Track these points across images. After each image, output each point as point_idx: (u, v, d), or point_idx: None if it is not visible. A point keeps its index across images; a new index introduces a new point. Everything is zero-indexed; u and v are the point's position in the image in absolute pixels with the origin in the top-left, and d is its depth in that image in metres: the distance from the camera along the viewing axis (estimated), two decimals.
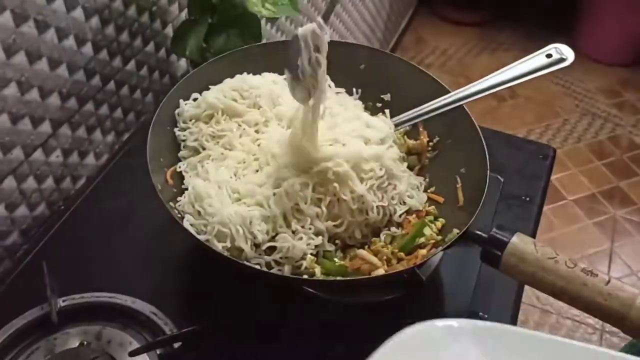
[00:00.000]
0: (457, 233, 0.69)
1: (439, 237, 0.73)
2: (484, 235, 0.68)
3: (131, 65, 1.03)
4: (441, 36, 2.87)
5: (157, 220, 0.87)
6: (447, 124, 0.83)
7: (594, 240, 2.11)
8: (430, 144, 0.84)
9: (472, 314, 0.78)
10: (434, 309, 0.80)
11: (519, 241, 0.66)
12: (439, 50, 2.80)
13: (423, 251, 0.70)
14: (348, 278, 0.69)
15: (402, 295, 0.77)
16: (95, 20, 0.91)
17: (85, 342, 0.70)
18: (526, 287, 0.81)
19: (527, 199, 0.97)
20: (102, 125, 1.00)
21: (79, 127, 0.95)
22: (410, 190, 0.79)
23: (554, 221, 2.14)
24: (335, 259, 0.72)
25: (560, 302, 0.65)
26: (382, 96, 0.89)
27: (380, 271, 0.69)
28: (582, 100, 2.60)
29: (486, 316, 0.78)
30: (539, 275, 0.64)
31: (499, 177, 0.94)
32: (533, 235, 0.93)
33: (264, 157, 0.77)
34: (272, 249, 0.72)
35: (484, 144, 0.76)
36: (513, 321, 0.82)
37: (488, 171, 0.73)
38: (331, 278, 0.69)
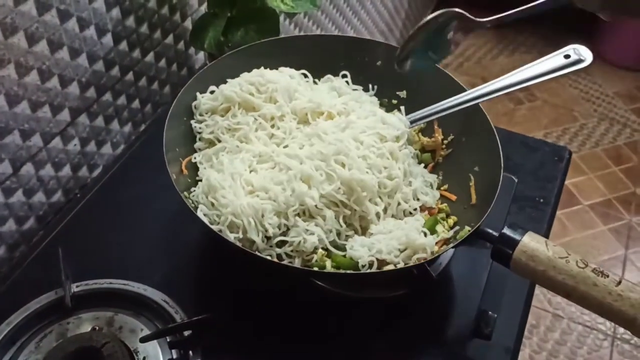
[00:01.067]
0: (469, 230, 0.69)
1: (450, 234, 0.74)
2: (495, 233, 0.68)
3: (150, 57, 1.04)
4: (459, 37, 2.86)
5: (170, 210, 0.88)
6: (462, 122, 0.83)
7: (608, 246, 2.09)
8: (445, 141, 0.84)
9: (482, 313, 0.78)
10: (444, 307, 0.80)
11: (530, 240, 0.66)
12: (458, 50, 2.79)
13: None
14: (358, 272, 0.69)
15: (412, 292, 0.77)
16: (115, 11, 0.92)
17: (97, 328, 0.72)
18: (538, 291, 0.81)
19: (541, 200, 0.96)
20: (119, 116, 1.02)
21: (97, 116, 0.97)
22: (424, 188, 0.79)
23: (568, 226, 2.13)
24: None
25: (572, 307, 0.65)
26: (397, 93, 0.90)
27: (390, 266, 0.69)
28: (600, 104, 2.58)
29: (496, 315, 0.78)
30: (549, 274, 0.64)
31: (513, 177, 0.93)
32: (546, 237, 0.92)
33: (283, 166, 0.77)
34: (283, 242, 0.73)
35: (499, 142, 0.75)
36: (523, 321, 0.82)
37: (502, 170, 0.73)
38: (341, 271, 0.69)
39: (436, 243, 0.72)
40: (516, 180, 0.94)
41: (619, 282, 0.62)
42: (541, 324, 1.86)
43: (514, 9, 0.74)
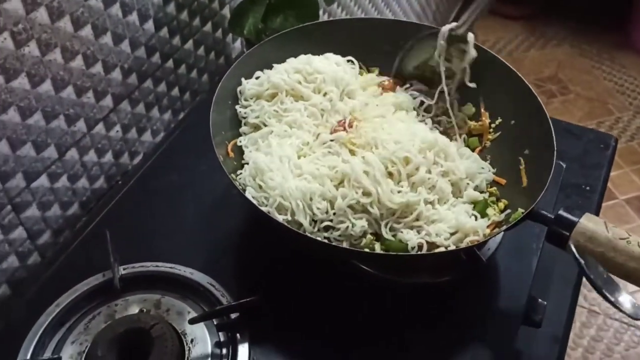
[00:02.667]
0: (522, 213, 0.68)
1: (502, 218, 0.72)
2: (550, 215, 0.66)
3: (189, 44, 1.04)
4: (490, 29, 2.82)
5: (212, 196, 0.88)
6: (510, 106, 0.81)
7: None
8: (493, 125, 0.83)
9: (531, 300, 0.76)
10: (492, 293, 0.78)
11: (588, 221, 0.64)
12: (488, 43, 2.75)
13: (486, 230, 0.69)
14: (406, 254, 0.68)
15: (461, 277, 0.76)
16: None
17: (144, 310, 0.71)
18: None
19: (587, 188, 0.94)
20: (159, 103, 1.02)
21: (138, 103, 0.97)
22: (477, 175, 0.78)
23: None
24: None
25: (607, 303, 0.63)
26: None
27: (441, 249, 0.68)
28: (636, 97, 2.52)
29: (545, 303, 0.76)
30: (609, 255, 0.62)
31: (562, 163, 0.91)
32: None
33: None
34: (330, 227, 0.71)
35: (551, 124, 0.74)
36: (571, 309, 0.80)
37: (555, 152, 0.71)
38: (391, 253, 0.68)
39: (487, 227, 0.71)
40: (564, 165, 0.91)
41: None
42: (577, 319, 1.82)
43: (541, 1, 0.72)
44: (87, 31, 0.81)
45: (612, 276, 0.63)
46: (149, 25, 0.93)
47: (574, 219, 0.65)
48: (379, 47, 0.90)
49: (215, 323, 0.71)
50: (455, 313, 0.77)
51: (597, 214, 0.93)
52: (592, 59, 2.65)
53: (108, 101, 0.90)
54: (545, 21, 2.84)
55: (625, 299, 0.60)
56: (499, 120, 0.83)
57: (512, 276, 0.79)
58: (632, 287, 0.67)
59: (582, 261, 0.62)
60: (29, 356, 0.67)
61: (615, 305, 0.60)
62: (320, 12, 1.46)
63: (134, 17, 0.89)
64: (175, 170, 0.94)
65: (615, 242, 0.62)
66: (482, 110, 0.84)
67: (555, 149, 0.72)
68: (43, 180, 0.82)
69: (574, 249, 0.63)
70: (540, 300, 0.76)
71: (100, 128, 0.90)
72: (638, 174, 2.24)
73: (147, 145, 1.02)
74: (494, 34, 2.80)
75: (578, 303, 1.87)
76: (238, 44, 1.19)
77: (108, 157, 0.94)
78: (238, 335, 0.69)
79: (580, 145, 1.01)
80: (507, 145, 0.80)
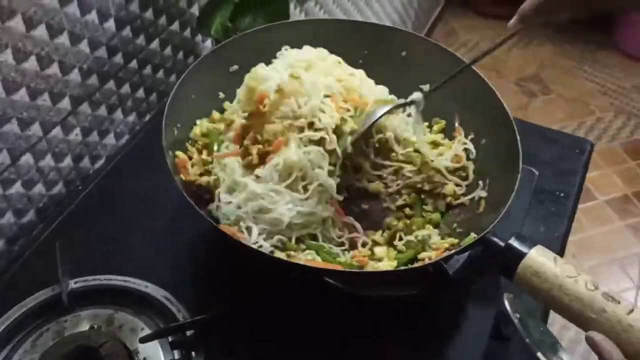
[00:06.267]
0: (474, 238, 0.65)
1: (456, 240, 0.70)
2: (501, 243, 0.63)
3: (155, 44, 1.00)
4: (473, 29, 2.80)
5: (175, 204, 0.84)
6: (483, 122, 0.79)
7: (625, 243, 2.03)
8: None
9: (501, 313, 0.74)
10: (460, 306, 0.76)
11: (538, 254, 0.60)
12: (471, 43, 2.73)
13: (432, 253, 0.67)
14: (365, 270, 0.65)
15: (428, 291, 0.73)
16: None
17: (95, 326, 0.68)
18: None
19: (562, 194, 0.92)
20: (123, 105, 0.98)
21: (100, 105, 0.93)
22: None
23: (583, 222, 2.07)
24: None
25: None
26: (421, 87, 0.84)
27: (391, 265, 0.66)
28: (617, 98, 2.52)
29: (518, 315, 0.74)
30: (554, 293, 0.58)
31: (534, 170, 0.89)
32: (566, 234, 0.88)
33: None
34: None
35: (520, 147, 0.71)
36: (543, 321, 0.77)
37: (519, 176, 0.68)
38: (354, 269, 0.66)
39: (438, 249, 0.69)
40: (537, 173, 0.89)
41: (631, 311, 0.56)
42: (556, 322, 1.81)
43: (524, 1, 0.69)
44: (40, 31, 0.77)
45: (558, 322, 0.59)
46: (110, 24, 0.89)
47: (524, 250, 0.61)
48: (355, 51, 0.87)
49: (170, 340, 0.67)
50: (423, 326, 0.74)
51: (571, 221, 0.91)
52: (574, 59, 2.64)
53: (66, 104, 0.86)
54: None
55: None
56: (472, 135, 0.80)
57: (482, 287, 0.77)
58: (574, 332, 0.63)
59: (516, 319, 0.58)
60: None
61: None
62: (297, 12, 1.43)
63: (92, 16, 0.85)
64: (139, 175, 0.90)
65: (562, 280, 0.58)
66: (457, 124, 0.81)
67: (520, 174, 0.68)
68: None
69: (506, 303, 0.59)
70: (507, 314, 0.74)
71: (57, 132, 0.86)
72: (619, 175, 2.23)
73: (110, 149, 0.98)
74: (478, 32, 2.78)
75: None
76: (209, 42, 1.15)
77: (67, 161, 0.90)
78: (193, 353, 0.66)
79: (555, 150, 0.99)
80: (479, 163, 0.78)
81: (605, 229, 2.08)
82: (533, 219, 0.86)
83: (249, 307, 0.72)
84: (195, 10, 1.07)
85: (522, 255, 0.60)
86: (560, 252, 0.86)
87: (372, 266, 0.67)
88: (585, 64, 2.63)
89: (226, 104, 0.84)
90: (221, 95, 0.86)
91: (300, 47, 0.83)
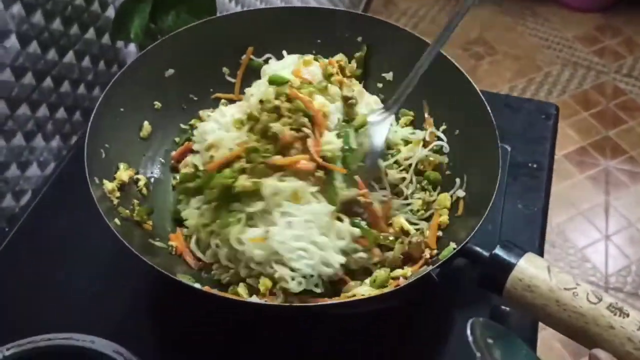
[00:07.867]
0: (454, 249, 0.57)
1: (435, 251, 0.63)
2: (485, 254, 0.55)
3: (69, 56, 0.89)
4: None
5: (115, 240, 0.74)
6: (458, 114, 0.72)
7: (588, 195, 2.02)
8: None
9: (495, 308, 0.67)
10: (449, 309, 0.69)
11: (528, 264, 0.53)
12: (410, 11, 2.66)
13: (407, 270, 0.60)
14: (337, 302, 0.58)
15: (412, 299, 0.66)
16: (17, 8, 0.77)
17: None
18: None
19: (535, 165, 0.86)
20: (42, 130, 0.87)
21: (14, 134, 0.82)
22: None
23: None
24: None
25: None
26: (383, 75, 0.79)
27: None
28: (562, 50, 2.50)
29: (508, 309, 0.67)
30: (551, 309, 0.51)
31: (507, 146, 0.83)
32: (545, 208, 0.83)
33: None
34: None
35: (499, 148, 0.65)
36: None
37: (497, 185, 0.60)
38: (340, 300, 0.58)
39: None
40: (509, 149, 0.83)
41: None
42: None
43: None
44: None
45: None
46: (12, 41, 0.77)
47: (512, 260, 0.53)
48: (306, 41, 0.79)
49: None
50: (410, 335, 0.68)
51: (548, 193, 0.85)
52: (515, 16, 2.61)
53: None
54: None
55: None
56: (444, 126, 0.73)
57: (468, 292, 0.70)
58: None
59: (479, 355, 0.47)
60: None
61: None
62: (233, 4, 1.32)
63: None
64: (72, 206, 0.79)
65: (559, 294, 0.51)
66: (426, 115, 0.74)
67: (498, 181, 0.61)
68: None
69: (468, 331, 0.49)
70: (503, 307, 0.67)
71: None
72: (574, 128, 2.22)
73: (35, 181, 0.87)
74: (416, 1, 2.72)
75: None
76: (132, 47, 1.04)
77: None
78: None
79: (520, 118, 0.93)
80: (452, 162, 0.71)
81: (567, 184, 2.06)
82: (510, 197, 0.80)
83: (207, 352, 0.64)
84: (111, 13, 0.96)
85: (510, 266, 0.53)
86: (543, 227, 0.80)
87: (344, 296, 0.59)
88: (527, 19, 2.60)
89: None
90: (157, 105, 0.77)
91: (240, 42, 0.77)
